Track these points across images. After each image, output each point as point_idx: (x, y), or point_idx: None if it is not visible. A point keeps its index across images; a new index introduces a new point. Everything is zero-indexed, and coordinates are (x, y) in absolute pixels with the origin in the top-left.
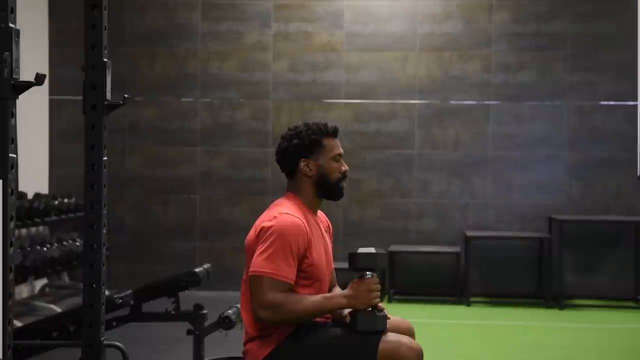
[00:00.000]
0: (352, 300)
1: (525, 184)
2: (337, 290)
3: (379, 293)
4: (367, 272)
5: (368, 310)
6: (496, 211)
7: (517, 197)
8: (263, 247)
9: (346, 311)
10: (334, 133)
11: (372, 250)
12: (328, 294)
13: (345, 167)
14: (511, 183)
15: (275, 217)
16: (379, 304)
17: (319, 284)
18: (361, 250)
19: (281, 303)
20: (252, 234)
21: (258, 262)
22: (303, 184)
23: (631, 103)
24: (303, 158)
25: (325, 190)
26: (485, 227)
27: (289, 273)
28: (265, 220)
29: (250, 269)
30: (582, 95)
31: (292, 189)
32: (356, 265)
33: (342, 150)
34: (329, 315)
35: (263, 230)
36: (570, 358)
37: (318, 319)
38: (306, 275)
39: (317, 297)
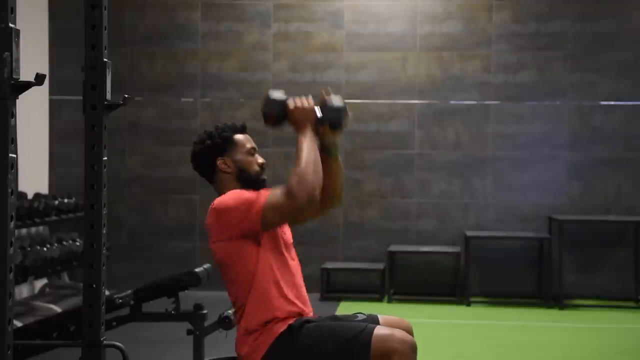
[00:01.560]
0: (301, 120)
1: (525, 184)
2: None
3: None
4: None
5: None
6: (496, 211)
7: (517, 197)
8: (233, 206)
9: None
10: (242, 129)
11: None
12: (301, 143)
13: (261, 160)
14: (511, 183)
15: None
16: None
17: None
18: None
19: (289, 185)
20: (207, 219)
21: (242, 209)
22: (226, 183)
23: (631, 103)
24: (219, 157)
25: (248, 185)
26: (485, 227)
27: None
28: (212, 205)
29: (248, 220)
30: (582, 95)
31: (219, 190)
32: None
33: (254, 145)
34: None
35: (214, 207)
36: (570, 358)
37: (309, 315)
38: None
39: (301, 147)
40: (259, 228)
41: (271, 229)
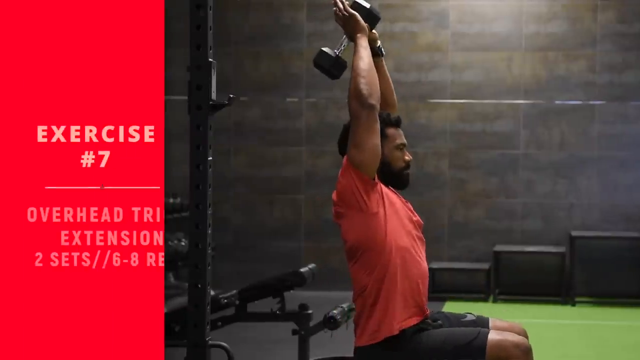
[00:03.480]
0: (351, 31)
1: (630, 183)
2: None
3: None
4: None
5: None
6: (601, 211)
7: (622, 197)
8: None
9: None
10: (397, 123)
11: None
12: (357, 49)
13: (408, 157)
14: (616, 183)
15: None
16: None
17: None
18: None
19: (355, 90)
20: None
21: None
22: None
23: None
24: None
25: (389, 179)
26: (591, 227)
27: None
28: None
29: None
30: None
31: None
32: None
33: (405, 141)
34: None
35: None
36: None
37: (414, 320)
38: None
39: (358, 51)
40: (365, 178)
41: (365, 159)
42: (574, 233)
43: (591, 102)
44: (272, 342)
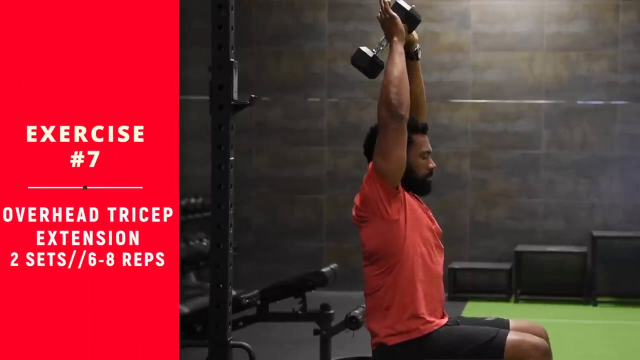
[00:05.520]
0: (388, 33)
1: None
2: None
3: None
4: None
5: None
6: (623, 211)
7: None
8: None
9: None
10: (423, 129)
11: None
12: (392, 54)
13: (432, 165)
14: (638, 183)
15: None
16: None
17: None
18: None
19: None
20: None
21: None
22: None
23: None
24: None
25: (411, 185)
26: (612, 227)
27: None
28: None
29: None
30: None
31: None
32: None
33: (430, 148)
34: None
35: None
36: None
37: (437, 324)
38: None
39: (392, 57)
40: (388, 186)
41: (390, 169)
42: (596, 233)
43: (613, 102)
44: (294, 342)
